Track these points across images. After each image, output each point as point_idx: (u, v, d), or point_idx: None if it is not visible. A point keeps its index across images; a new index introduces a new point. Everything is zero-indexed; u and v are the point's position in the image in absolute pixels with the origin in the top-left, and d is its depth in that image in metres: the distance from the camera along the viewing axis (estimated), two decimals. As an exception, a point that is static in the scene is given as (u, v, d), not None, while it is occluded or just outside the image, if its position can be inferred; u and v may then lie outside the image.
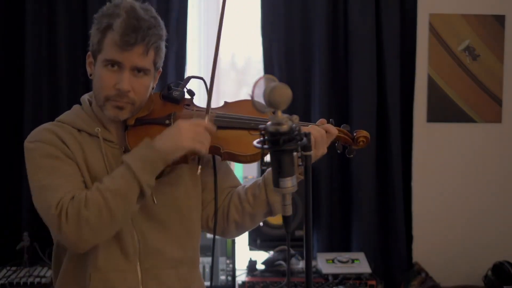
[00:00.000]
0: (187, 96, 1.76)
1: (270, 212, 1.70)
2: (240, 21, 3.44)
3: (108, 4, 1.61)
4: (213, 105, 1.70)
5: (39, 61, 3.09)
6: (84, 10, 3.11)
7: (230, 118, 1.68)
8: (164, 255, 1.65)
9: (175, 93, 1.71)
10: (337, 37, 3.26)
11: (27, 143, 1.61)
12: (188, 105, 1.73)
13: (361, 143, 1.75)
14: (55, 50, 3.11)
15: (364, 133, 1.75)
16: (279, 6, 3.24)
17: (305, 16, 3.26)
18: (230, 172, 1.81)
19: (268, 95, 1.18)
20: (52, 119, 1.69)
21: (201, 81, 1.75)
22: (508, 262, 3.13)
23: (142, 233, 1.64)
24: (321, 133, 1.65)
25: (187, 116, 1.68)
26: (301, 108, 3.26)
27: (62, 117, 1.69)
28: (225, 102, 1.78)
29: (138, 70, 1.59)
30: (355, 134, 1.76)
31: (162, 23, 1.65)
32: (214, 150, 1.64)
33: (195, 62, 3.35)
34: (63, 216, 1.47)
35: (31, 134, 1.64)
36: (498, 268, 3.14)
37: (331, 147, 1.71)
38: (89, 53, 1.64)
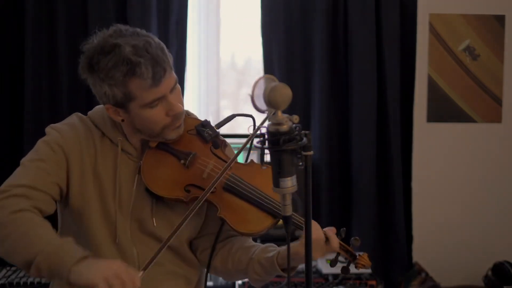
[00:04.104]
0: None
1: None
2: (240, 21, 3.44)
3: (99, 56, 1.51)
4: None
5: (39, 62, 3.08)
6: (84, 10, 3.10)
7: (243, 188, 1.61)
8: (164, 268, 1.65)
9: (207, 132, 1.64)
10: (337, 37, 3.26)
11: (50, 128, 1.63)
12: (216, 148, 1.66)
13: (357, 267, 1.69)
14: (55, 50, 3.10)
15: (365, 261, 1.68)
16: (279, 6, 3.23)
17: (305, 16, 3.26)
18: None
19: (268, 95, 1.17)
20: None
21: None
22: (508, 262, 3.13)
23: (141, 247, 1.64)
24: (319, 237, 1.60)
25: (203, 164, 1.63)
26: (301, 108, 3.26)
27: (93, 114, 1.68)
28: (251, 161, 1.68)
29: (171, 88, 1.57)
30: (358, 257, 1.69)
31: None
32: (212, 206, 1.60)
33: (195, 63, 3.34)
34: (0, 196, 1.50)
35: (64, 121, 1.66)
36: (498, 268, 3.14)
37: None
38: (107, 105, 1.57)
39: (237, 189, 1.61)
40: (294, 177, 1.25)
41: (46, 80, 3.10)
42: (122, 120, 1.59)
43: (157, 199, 1.63)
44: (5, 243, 1.47)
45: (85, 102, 3.04)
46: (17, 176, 1.56)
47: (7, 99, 3.13)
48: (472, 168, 3.47)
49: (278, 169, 1.24)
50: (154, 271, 1.63)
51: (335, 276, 2.91)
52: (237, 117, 1.66)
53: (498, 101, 3.44)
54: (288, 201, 1.28)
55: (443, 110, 3.43)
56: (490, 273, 3.16)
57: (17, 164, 1.65)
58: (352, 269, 1.71)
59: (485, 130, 3.46)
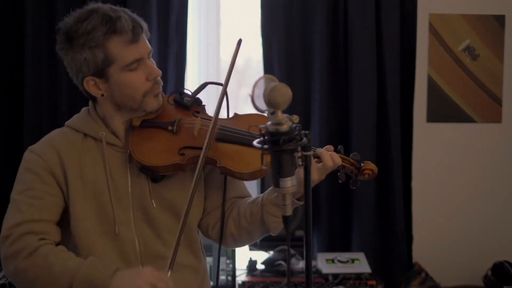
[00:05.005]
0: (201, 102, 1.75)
1: (267, 231, 1.70)
2: (240, 21, 3.44)
3: (76, 25, 1.60)
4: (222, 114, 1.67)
5: (39, 62, 3.07)
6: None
7: (234, 132, 1.65)
8: (166, 259, 1.65)
9: (186, 99, 1.72)
10: (337, 37, 3.26)
11: (28, 151, 1.65)
12: (198, 112, 1.72)
13: (366, 175, 1.66)
14: (55, 50, 3.09)
15: (371, 165, 1.68)
16: (279, 6, 3.23)
17: (305, 16, 3.26)
18: (236, 181, 1.76)
19: (268, 95, 1.17)
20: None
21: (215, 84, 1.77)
22: (508, 262, 3.13)
23: (143, 237, 1.65)
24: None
25: (190, 124, 1.67)
26: (301, 108, 3.26)
27: (71, 121, 1.72)
28: (235, 114, 1.76)
29: (148, 53, 1.63)
30: (362, 165, 1.68)
31: None
32: (211, 161, 1.61)
33: (195, 62, 3.34)
34: (7, 242, 1.54)
35: (39, 142, 1.68)
36: (498, 268, 3.13)
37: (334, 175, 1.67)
38: (87, 78, 1.62)
39: (231, 135, 1.64)
40: (294, 177, 1.26)
41: (46, 80, 3.10)
42: (102, 95, 1.62)
43: (152, 179, 1.64)
44: (36, 285, 1.53)
45: (85, 102, 3.03)
46: (12, 214, 1.58)
47: (7, 99, 3.13)
48: (472, 168, 3.47)
49: (278, 169, 1.24)
50: (159, 265, 1.63)
51: (335, 276, 2.91)
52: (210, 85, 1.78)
53: (498, 101, 3.44)
54: (288, 201, 1.28)
55: (443, 110, 3.43)
56: (490, 273, 3.16)
57: (17, 164, 1.65)
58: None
59: (485, 130, 3.46)
